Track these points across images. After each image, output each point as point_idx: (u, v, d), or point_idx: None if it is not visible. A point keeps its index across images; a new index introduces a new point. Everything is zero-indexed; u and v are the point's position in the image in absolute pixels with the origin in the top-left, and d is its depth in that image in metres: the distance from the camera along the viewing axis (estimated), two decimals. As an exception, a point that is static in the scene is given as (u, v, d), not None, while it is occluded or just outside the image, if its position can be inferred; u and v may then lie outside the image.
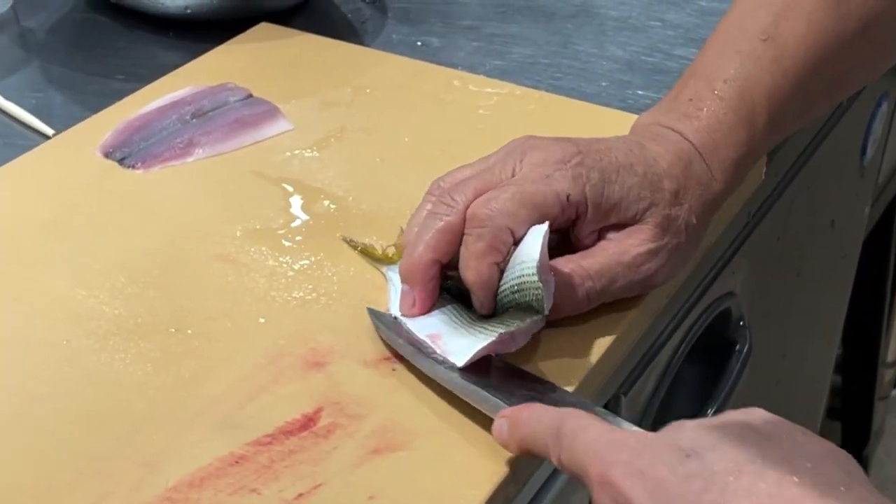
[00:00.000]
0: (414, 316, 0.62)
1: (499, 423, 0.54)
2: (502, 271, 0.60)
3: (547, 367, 0.60)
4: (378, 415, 0.57)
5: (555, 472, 0.64)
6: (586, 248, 0.63)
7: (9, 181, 0.75)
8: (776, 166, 0.90)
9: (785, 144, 0.84)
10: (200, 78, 0.85)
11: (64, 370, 0.60)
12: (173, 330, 0.62)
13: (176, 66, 0.87)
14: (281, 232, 0.70)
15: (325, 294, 0.65)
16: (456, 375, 0.57)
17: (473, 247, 0.60)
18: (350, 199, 0.73)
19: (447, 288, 0.63)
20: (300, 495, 0.53)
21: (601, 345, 0.62)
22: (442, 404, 0.58)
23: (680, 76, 0.70)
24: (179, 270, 0.67)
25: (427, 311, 0.62)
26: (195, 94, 0.83)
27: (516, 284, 0.59)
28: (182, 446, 0.55)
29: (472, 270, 0.60)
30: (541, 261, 0.58)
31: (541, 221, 0.60)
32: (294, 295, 0.65)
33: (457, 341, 0.59)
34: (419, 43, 0.95)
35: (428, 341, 0.60)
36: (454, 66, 0.90)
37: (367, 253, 0.68)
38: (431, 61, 0.90)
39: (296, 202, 0.73)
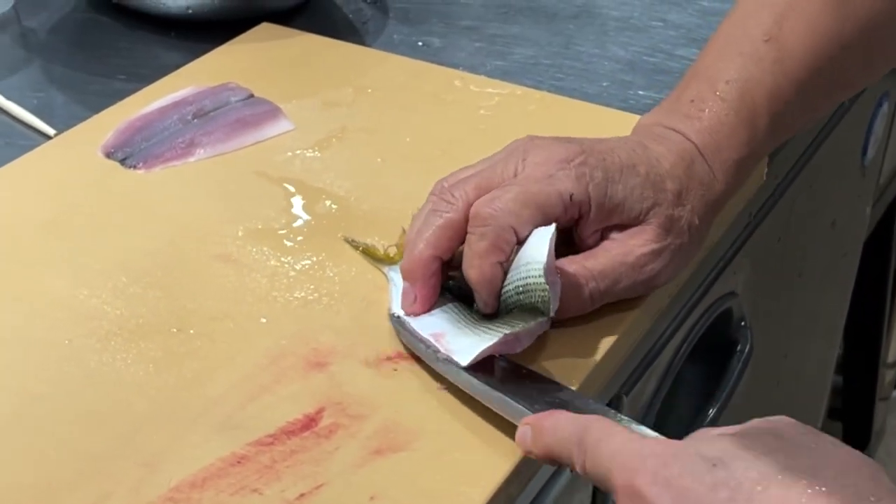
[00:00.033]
0: (415, 313, 0.62)
1: (522, 431, 0.54)
2: (505, 271, 0.60)
3: (549, 367, 0.60)
4: (380, 415, 0.57)
5: (557, 472, 0.64)
6: (589, 248, 0.63)
7: (10, 181, 0.75)
8: (777, 166, 0.90)
9: (786, 145, 0.84)
10: (202, 78, 0.85)
11: (64, 370, 0.60)
12: (175, 330, 0.62)
13: (177, 66, 0.87)
14: (282, 232, 0.70)
15: (327, 294, 0.65)
16: (478, 382, 0.57)
17: (477, 245, 0.60)
18: (351, 199, 0.73)
19: (449, 288, 0.63)
20: (302, 495, 0.53)
21: (603, 345, 0.62)
22: (444, 405, 0.58)
23: (681, 76, 0.70)
24: (181, 270, 0.67)
25: (428, 308, 0.62)
26: (196, 94, 0.83)
27: (521, 285, 0.59)
28: (183, 446, 0.55)
29: (475, 269, 0.60)
30: (548, 263, 0.58)
31: (544, 221, 0.60)
32: (296, 295, 0.65)
33: (461, 340, 0.59)
34: (420, 43, 0.95)
35: (431, 340, 0.59)
36: (455, 66, 0.90)
37: (368, 253, 0.68)
38: (433, 61, 0.90)
39: (297, 202, 0.73)
